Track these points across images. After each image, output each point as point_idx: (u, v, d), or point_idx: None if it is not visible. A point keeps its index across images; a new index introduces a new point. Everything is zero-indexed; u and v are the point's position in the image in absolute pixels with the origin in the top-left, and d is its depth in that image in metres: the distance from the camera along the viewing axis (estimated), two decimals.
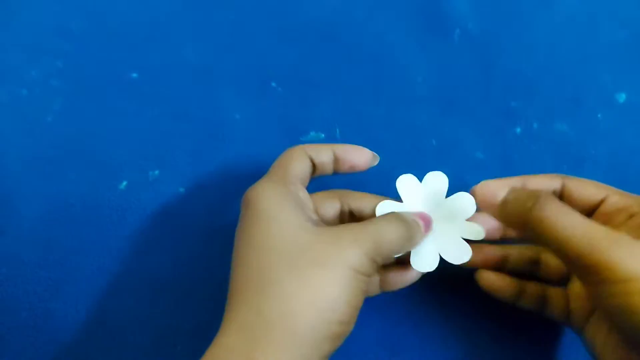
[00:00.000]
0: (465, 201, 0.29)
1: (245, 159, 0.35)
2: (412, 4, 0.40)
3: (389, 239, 0.25)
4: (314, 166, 0.28)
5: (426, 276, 0.31)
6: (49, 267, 0.33)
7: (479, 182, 0.34)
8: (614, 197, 0.26)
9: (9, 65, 0.39)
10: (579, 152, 0.35)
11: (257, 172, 0.35)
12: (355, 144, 0.29)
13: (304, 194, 0.27)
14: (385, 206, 0.29)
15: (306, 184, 0.28)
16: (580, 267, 0.22)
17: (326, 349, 0.22)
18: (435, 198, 0.29)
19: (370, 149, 0.35)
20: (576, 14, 0.39)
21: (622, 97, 0.36)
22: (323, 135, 0.36)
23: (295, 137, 0.36)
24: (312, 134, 0.36)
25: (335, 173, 0.29)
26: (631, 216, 0.25)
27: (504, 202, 0.25)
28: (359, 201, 0.29)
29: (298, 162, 0.27)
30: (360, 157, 0.29)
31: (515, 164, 0.35)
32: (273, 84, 0.38)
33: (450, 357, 0.30)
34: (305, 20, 0.40)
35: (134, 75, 0.38)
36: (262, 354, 0.21)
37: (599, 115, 0.36)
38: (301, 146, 0.28)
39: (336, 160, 0.29)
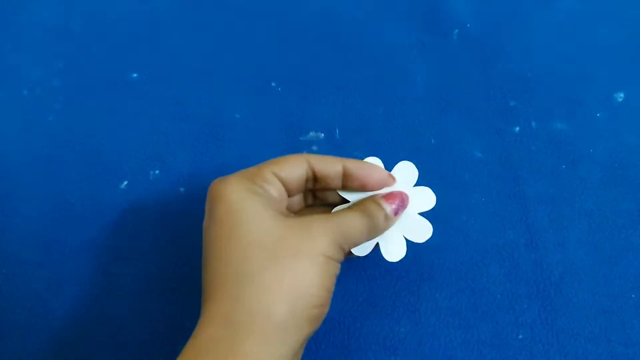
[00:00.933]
0: (425, 194, 0.29)
1: (245, 159, 0.36)
2: (412, 4, 0.40)
3: (353, 230, 0.26)
4: (315, 177, 0.27)
5: (426, 276, 0.32)
6: (50, 266, 0.33)
7: (478, 181, 0.34)
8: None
9: (9, 66, 0.39)
10: (578, 151, 0.35)
11: None
12: (370, 159, 0.29)
13: (277, 191, 0.26)
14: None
15: (297, 190, 0.28)
16: None
17: (305, 332, 0.23)
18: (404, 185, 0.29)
19: (370, 149, 0.35)
20: (575, 14, 0.39)
21: (620, 97, 0.36)
22: (323, 134, 0.36)
23: (295, 137, 0.36)
24: (312, 133, 0.36)
25: (344, 189, 0.28)
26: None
27: None
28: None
29: (289, 165, 0.27)
30: (374, 175, 0.28)
31: (514, 163, 0.35)
32: (273, 84, 0.38)
33: (449, 356, 0.30)
34: (304, 21, 0.40)
35: (135, 75, 0.38)
36: (247, 343, 0.22)
37: (597, 115, 0.36)
38: (304, 154, 0.28)
39: (346, 175, 0.27)
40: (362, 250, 0.28)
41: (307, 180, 0.28)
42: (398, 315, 0.31)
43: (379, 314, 0.31)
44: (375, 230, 0.27)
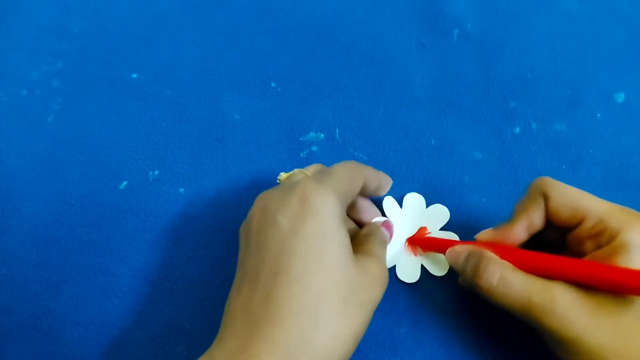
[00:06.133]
0: (441, 211, 0.33)
1: (245, 159, 0.36)
2: (412, 4, 0.40)
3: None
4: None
5: (426, 277, 0.32)
6: (49, 267, 0.33)
7: (478, 182, 0.34)
8: (590, 221, 0.25)
9: (9, 66, 0.39)
10: (578, 152, 0.35)
11: (257, 172, 0.35)
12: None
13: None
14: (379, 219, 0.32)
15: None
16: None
17: None
18: (416, 212, 0.33)
19: (370, 149, 0.36)
20: (575, 14, 0.39)
21: (620, 97, 0.36)
22: (322, 135, 0.36)
23: (295, 137, 0.36)
24: (312, 134, 0.36)
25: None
26: (600, 245, 0.25)
27: (462, 269, 0.28)
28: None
29: (358, 184, 0.28)
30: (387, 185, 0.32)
31: (514, 164, 0.35)
32: (273, 84, 0.38)
33: (449, 356, 0.30)
34: (304, 21, 0.40)
35: (134, 75, 0.38)
36: None
37: (597, 115, 0.36)
38: (363, 167, 0.29)
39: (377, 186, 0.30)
40: (410, 278, 0.31)
41: None
42: (398, 316, 0.31)
43: (379, 314, 0.31)
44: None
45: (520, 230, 0.27)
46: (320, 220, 0.24)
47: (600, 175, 0.34)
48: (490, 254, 0.26)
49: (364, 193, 0.30)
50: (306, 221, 0.24)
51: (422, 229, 0.32)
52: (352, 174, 0.27)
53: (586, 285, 0.24)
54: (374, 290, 0.25)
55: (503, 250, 0.27)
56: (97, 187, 0.35)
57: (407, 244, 0.32)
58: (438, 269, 0.31)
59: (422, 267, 0.32)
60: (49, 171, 0.35)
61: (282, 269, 0.23)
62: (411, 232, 0.32)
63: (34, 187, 0.35)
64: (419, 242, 0.32)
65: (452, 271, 0.31)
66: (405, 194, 0.33)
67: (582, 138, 0.35)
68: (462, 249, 0.28)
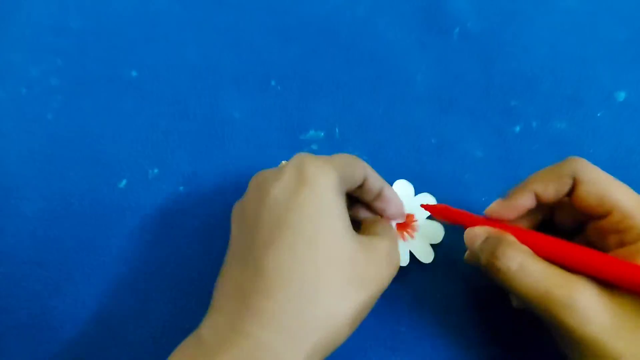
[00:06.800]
0: (427, 199, 0.33)
1: (245, 158, 0.35)
2: (412, 2, 0.40)
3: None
4: (360, 186, 0.27)
5: (426, 275, 0.32)
6: (48, 265, 0.33)
7: (479, 181, 0.34)
8: (618, 215, 0.24)
9: (8, 64, 0.39)
10: (578, 150, 0.35)
11: (257, 170, 0.35)
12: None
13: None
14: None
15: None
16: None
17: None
18: (405, 199, 0.32)
19: (370, 148, 0.35)
20: (576, 13, 0.39)
21: (621, 96, 0.36)
22: (322, 133, 0.36)
23: (295, 136, 0.36)
24: (312, 132, 0.36)
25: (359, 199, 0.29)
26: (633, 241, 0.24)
27: (480, 250, 0.26)
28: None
29: (357, 167, 0.26)
30: (394, 211, 0.30)
31: (515, 163, 0.35)
32: (273, 83, 0.38)
33: (449, 355, 0.30)
34: (305, 19, 0.40)
35: (134, 73, 0.38)
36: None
37: (598, 114, 0.36)
38: (363, 162, 0.27)
39: (378, 196, 0.29)
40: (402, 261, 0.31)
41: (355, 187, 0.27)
42: (398, 314, 0.31)
43: (379, 313, 0.31)
44: None
45: (529, 196, 0.26)
46: (316, 191, 0.23)
47: None
48: (510, 238, 0.25)
49: (367, 196, 0.29)
50: (300, 192, 0.23)
51: (409, 217, 0.32)
52: (351, 160, 0.26)
53: (608, 284, 0.23)
54: (380, 269, 0.24)
55: (522, 234, 0.25)
56: (97, 186, 0.35)
57: (396, 229, 0.32)
58: (425, 256, 0.31)
59: (410, 253, 0.31)
60: (48, 169, 0.35)
61: (273, 240, 0.22)
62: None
63: (33, 185, 0.35)
64: (435, 210, 0.30)
65: (439, 261, 0.31)
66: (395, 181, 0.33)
67: (582, 137, 0.35)
68: (482, 231, 0.26)
